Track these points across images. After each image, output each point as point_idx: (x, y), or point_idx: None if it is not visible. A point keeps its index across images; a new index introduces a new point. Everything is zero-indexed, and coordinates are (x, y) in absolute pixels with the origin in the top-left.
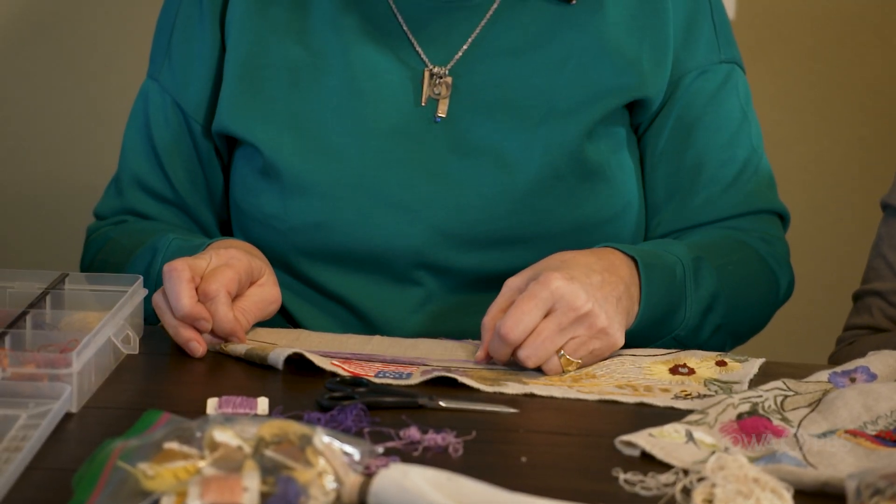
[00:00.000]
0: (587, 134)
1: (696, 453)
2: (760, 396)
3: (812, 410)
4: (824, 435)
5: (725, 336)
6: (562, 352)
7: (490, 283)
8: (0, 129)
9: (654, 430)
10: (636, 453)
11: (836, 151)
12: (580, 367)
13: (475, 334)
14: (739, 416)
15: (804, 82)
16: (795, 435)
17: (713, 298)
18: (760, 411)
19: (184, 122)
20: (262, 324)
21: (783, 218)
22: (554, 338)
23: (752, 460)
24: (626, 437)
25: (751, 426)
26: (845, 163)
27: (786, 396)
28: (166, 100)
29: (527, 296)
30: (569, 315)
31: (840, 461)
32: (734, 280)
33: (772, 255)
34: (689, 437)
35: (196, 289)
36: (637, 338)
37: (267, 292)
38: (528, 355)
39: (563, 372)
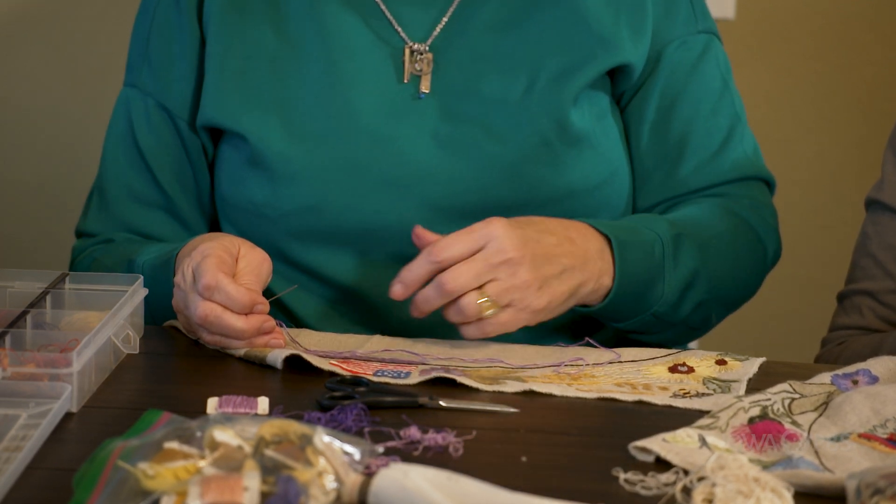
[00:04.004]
0: (572, 101)
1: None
2: (769, 399)
3: (820, 415)
4: (837, 439)
5: (709, 311)
6: (486, 297)
7: None
8: (0, 129)
9: (668, 435)
10: (650, 458)
11: (836, 150)
12: (493, 312)
13: None
14: (751, 420)
15: (804, 82)
16: (808, 439)
17: (694, 276)
18: (771, 414)
19: (170, 122)
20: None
21: (769, 185)
22: (480, 270)
23: (768, 465)
24: (640, 443)
25: (763, 430)
26: (845, 162)
27: (793, 399)
28: (148, 103)
29: (465, 229)
30: (497, 256)
31: (856, 465)
32: (719, 253)
33: (760, 223)
34: (703, 441)
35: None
36: (615, 312)
37: (252, 257)
38: (448, 280)
39: (480, 313)
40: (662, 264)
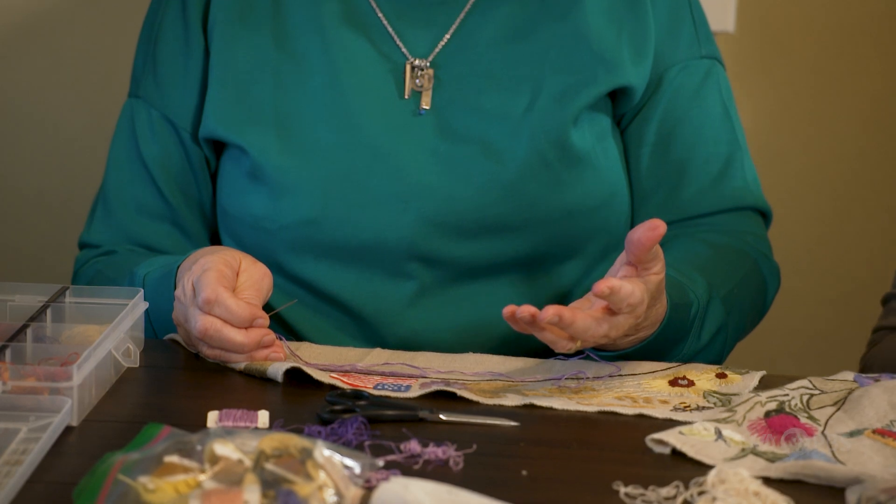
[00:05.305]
0: (572, 121)
1: (725, 451)
2: (787, 395)
3: (838, 409)
4: (852, 434)
5: (709, 358)
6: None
7: (482, 273)
8: (1, 138)
9: (684, 429)
10: (667, 451)
11: (837, 163)
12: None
13: (469, 326)
14: (767, 414)
15: (804, 94)
16: (823, 434)
17: (712, 337)
18: (787, 409)
19: (174, 133)
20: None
21: (765, 216)
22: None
23: (782, 456)
24: (657, 435)
25: (779, 424)
26: (845, 174)
27: (812, 395)
28: (153, 115)
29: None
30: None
31: (868, 460)
32: (737, 305)
33: (766, 266)
34: (719, 434)
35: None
36: (624, 354)
37: (253, 272)
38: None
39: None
40: (690, 330)
